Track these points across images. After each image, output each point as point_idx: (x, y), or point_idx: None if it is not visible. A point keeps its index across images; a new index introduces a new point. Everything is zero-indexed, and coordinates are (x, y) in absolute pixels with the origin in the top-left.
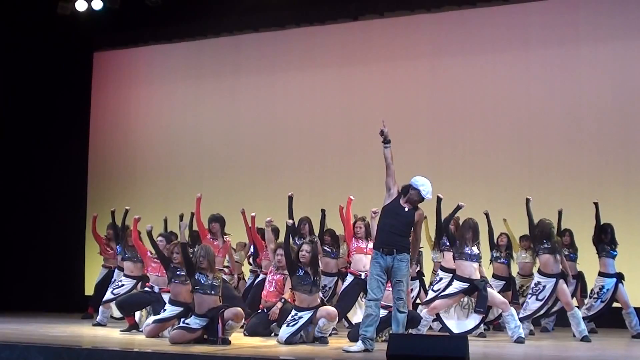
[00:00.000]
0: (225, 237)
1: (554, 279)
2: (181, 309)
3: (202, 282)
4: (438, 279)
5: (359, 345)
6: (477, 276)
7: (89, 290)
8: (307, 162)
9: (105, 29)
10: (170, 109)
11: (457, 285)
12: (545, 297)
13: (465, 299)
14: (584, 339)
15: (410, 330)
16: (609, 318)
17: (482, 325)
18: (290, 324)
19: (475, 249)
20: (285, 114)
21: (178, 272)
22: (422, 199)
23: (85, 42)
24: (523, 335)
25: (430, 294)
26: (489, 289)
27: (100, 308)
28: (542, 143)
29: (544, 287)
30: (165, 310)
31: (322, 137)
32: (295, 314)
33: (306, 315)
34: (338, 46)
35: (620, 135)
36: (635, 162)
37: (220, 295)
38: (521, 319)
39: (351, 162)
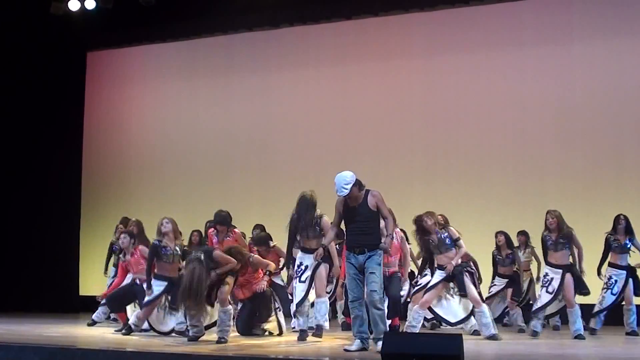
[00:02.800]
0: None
1: (561, 271)
2: (166, 283)
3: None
4: (423, 275)
5: (357, 344)
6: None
7: (84, 290)
8: (302, 161)
9: (98, 29)
10: (164, 109)
11: (438, 274)
12: (555, 289)
13: (451, 284)
14: (578, 337)
15: (406, 326)
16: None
17: (472, 317)
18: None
19: (446, 239)
20: (279, 113)
21: (163, 252)
22: (341, 194)
23: (78, 42)
24: (494, 332)
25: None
26: (467, 283)
27: (101, 307)
28: (536, 141)
29: (552, 279)
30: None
31: (317, 136)
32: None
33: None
34: (332, 45)
35: (612, 135)
36: (627, 161)
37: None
38: (534, 312)
39: (345, 161)
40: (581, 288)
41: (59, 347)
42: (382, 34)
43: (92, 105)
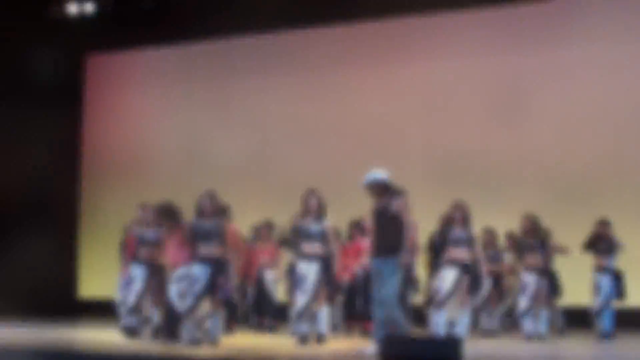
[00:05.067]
0: None
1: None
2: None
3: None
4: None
5: (373, 348)
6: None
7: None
8: (300, 165)
9: (98, 33)
10: (163, 113)
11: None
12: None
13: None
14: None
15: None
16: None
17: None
18: None
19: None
20: (279, 117)
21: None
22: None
23: (77, 46)
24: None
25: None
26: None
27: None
28: (537, 144)
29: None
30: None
31: (316, 140)
32: None
33: None
34: (331, 50)
35: (614, 137)
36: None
37: None
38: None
39: (344, 167)
40: (553, 290)
41: (58, 352)
42: (385, 37)
43: (92, 110)
